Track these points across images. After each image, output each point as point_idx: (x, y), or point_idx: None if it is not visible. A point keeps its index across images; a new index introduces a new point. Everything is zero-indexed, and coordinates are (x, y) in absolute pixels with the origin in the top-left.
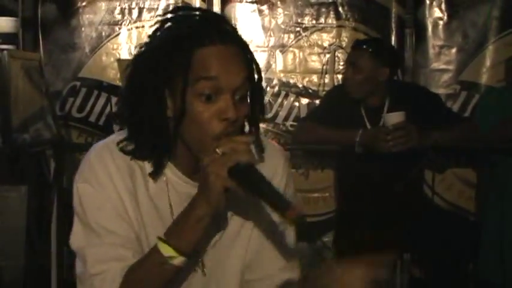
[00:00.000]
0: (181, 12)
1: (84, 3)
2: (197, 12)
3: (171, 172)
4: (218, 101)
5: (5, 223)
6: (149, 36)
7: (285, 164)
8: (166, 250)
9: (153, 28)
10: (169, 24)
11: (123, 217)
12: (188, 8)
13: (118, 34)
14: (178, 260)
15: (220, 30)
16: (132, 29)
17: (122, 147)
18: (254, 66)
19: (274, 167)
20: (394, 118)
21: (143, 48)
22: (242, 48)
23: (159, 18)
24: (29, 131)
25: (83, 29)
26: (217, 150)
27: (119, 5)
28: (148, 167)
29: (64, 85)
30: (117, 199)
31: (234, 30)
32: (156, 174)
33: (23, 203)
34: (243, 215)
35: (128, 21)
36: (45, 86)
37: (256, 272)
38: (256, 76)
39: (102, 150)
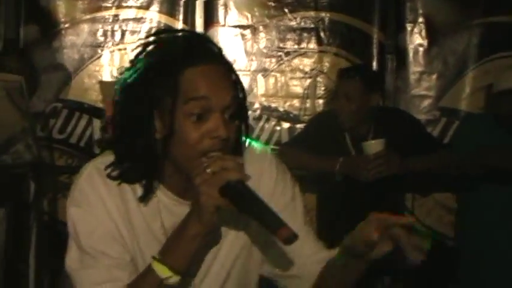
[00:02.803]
0: (164, 35)
1: (66, 25)
2: (181, 34)
3: (162, 193)
4: (208, 120)
5: None
6: (133, 60)
7: (270, 165)
8: (161, 269)
9: (136, 51)
10: (153, 46)
11: (116, 239)
12: (171, 30)
13: (100, 56)
14: (173, 279)
15: (206, 50)
16: (114, 51)
17: (109, 173)
18: (239, 86)
19: (259, 173)
20: (374, 147)
21: (129, 71)
22: (227, 68)
23: (142, 41)
24: (9, 152)
25: (65, 50)
26: (207, 170)
27: (102, 27)
28: (139, 188)
29: (45, 106)
30: (109, 222)
31: (219, 49)
32: (146, 198)
33: (1, 225)
34: (238, 229)
35: (110, 43)
36: (26, 107)
37: (289, 269)
38: (240, 95)
39: (92, 173)
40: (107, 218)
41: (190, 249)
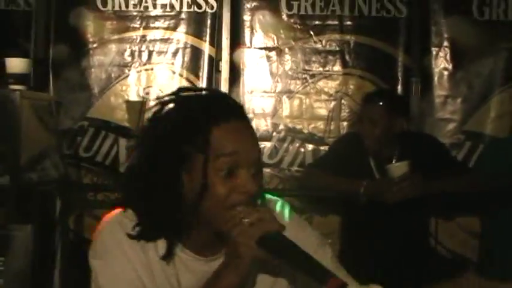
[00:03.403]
0: (185, 93)
1: (95, 45)
2: (203, 92)
3: (180, 250)
4: (237, 175)
5: (10, 262)
6: (153, 117)
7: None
8: None
9: (156, 108)
10: (177, 103)
11: None
12: (191, 88)
13: (127, 76)
14: None
15: (231, 107)
16: (141, 71)
17: (129, 233)
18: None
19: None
20: (399, 169)
21: (152, 129)
22: (249, 124)
23: (162, 99)
24: (36, 169)
25: (92, 69)
26: (244, 221)
27: (129, 47)
28: (160, 242)
29: (72, 124)
30: (132, 273)
31: (241, 106)
32: (168, 257)
33: (29, 242)
34: (267, 281)
35: (137, 63)
36: (54, 126)
37: None
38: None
39: (114, 226)
40: (130, 269)
41: None
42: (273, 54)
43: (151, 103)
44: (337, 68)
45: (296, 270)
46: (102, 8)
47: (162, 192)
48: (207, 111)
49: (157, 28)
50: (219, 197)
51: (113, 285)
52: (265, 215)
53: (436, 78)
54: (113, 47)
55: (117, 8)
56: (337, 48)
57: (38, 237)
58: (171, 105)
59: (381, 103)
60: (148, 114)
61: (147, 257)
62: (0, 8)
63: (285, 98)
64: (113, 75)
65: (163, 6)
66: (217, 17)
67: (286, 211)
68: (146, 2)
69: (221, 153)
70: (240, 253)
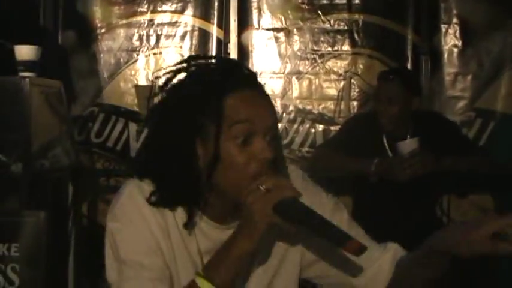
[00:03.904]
0: (196, 61)
1: (103, 30)
2: (214, 60)
3: (199, 218)
4: (253, 143)
5: (24, 248)
6: (164, 87)
7: (303, 182)
8: (206, 286)
9: (168, 77)
10: (188, 73)
11: (157, 254)
12: (202, 56)
13: (136, 60)
14: None
15: (244, 76)
16: (149, 55)
17: (149, 199)
18: (274, 108)
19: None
20: (408, 146)
21: (165, 100)
22: (263, 91)
23: (173, 68)
24: (48, 156)
25: (101, 55)
26: (260, 187)
27: (137, 32)
28: (179, 209)
29: (82, 110)
30: (151, 236)
31: (254, 74)
32: (189, 225)
33: (42, 229)
34: (280, 247)
35: (145, 47)
36: (64, 112)
37: (365, 274)
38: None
39: (134, 191)
40: (148, 232)
41: (236, 266)
42: (281, 35)
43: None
44: (346, 47)
45: (314, 234)
46: None
47: (178, 162)
48: (219, 80)
49: (165, 12)
50: (236, 165)
51: (130, 246)
52: (281, 182)
53: (445, 56)
54: (121, 32)
55: None
56: (346, 28)
57: (51, 223)
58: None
59: (397, 81)
60: (157, 95)
61: (166, 223)
62: None
63: (294, 79)
64: (121, 60)
65: None
66: None
67: (301, 178)
68: None
69: (235, 121)
70: (256, 219)
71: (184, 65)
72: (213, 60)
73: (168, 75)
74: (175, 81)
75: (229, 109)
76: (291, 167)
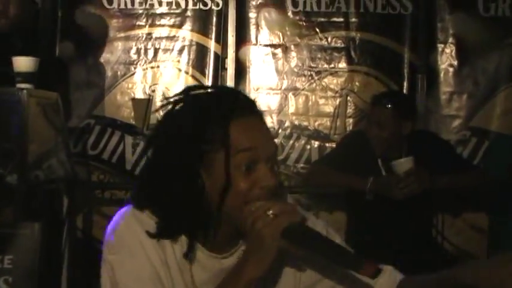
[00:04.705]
0: (194, 92)
1: (101, 43)
2: (212, 90)
3: (197, 248)
4: (256, 170)
5: (18, 260)
6: (165, 117)
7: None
8: None
9: (166, 108)
10: (187, 104)
11: (157, 286)
12: (200, 86)
13: (133, 74)
14: None
15: (244, 103)
16: (147, 68)
17: (148, 232)
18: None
19: None
20: (404, 165)
21: (165, 129)
22: (263, 118)
23: (172, 99)
24: (43, 168)
25: (99, 67)
26: (268, 213)
27: (135, 45)
28: (180, 240)
29: (78, 122)
30: (150, 267)
31: (253, 101)
32: (190, 255)
33: (36, 241)
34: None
35: (143, 61)
36: (61, 124)
37: None
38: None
39: (130, 220)
40: (149, 264)
41: None
42: (278, 51)
43: (158, 101)
44: (343, 65)
45: (326, 259)
46: (107, 6)
47: (181, 191)
48: (221, 108)
49: (163, 26)
50: (240, 192)
51: (131, 281)
52: (288, 207)
53: (441, 75)
54: (119, 45)
55: (122, 5)
56: (343, 45)
57: (46, 235)
58: (180, 105)
59: (388, 106)
60: (154, 112)
61: (164, 253)
62: None
63: (290, 95)
64: (119, 73)
65: (169, 3)
66: (222, 15)
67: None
68: None
69: (240, 149)
70: (266, 245)
71: (182, 96)
72: (211, 89)
73: (168, 106)
74: (174, 111)
75: (233, 137)
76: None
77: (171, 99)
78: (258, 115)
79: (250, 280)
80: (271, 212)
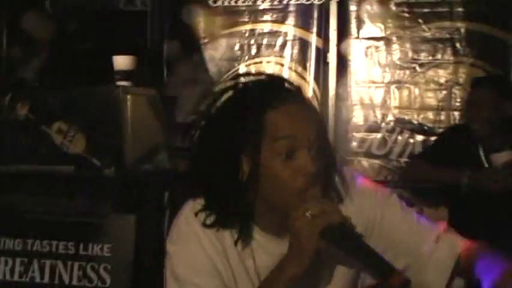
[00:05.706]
0: (244, 78)
1: (206, 40)
2: (261, 77)
3: (255, 232)
4: (296, 157)
5: (115, 250)
6: (211, 105)
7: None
8: None
9: (217, 95)
10: (232, 92)
11: (213, 275)
12: (250, 73)
13: (237, 70)
14: None
15: (287, 91)
16: (250, 64)
17: (204, 222)
18: (320, 120)
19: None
20: (503, 157)
21: (211, 117)
22: (308, 105)
23: (223, 86)
24: (145, 161)
25: (204, 64)
26: (307, 213)
27: (239, 42)
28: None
29: (185, 118)
30: (206, 259)
31: (298, 89)
32: (242, 240)
33: (131, 232)
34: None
35: (246, 57)
36: (162, 120)
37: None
38: (323, 129)
39: (189, 214)
40: (203, 255)
41: None
42: (380, 44)
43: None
44: (448, 56)
45: (357, 263)
46: (212, 4)
47: (224, 179)
48: (261, 96)
49: (266, 21)
50: (282, 180)
51: (187, 270)
52: (328, 207)
53: None
54: (223, 42)
55: (226, 3)
56: (447, 36)
57: (143, 227)
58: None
59: (486, 87)
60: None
61: (222, 244)
62: (120, 7)
63: (393, 88)
64: (223, 69)
65: None
66: (324, 9)
67: (354, 180)
68: None
69: (278, 137)
70: (303, 246)
71: (233, 83)
72: (261, 77)
73: (217, 93)
74: (222, 99)
75: (271, 125)
76: (344, 169)
77: (222, 87)
78: (302, 102)
79: (291, 278)
80: (309, 212)
